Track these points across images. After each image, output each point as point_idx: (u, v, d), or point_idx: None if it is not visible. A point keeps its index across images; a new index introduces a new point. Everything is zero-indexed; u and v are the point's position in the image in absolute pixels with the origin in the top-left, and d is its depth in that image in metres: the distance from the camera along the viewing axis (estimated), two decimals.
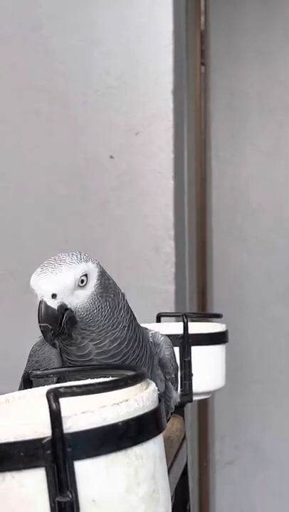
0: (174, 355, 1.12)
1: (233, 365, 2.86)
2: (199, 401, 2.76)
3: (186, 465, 1.42)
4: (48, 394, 0.66)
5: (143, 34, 2.22)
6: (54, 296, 0.94)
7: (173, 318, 1.75)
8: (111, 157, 2.24)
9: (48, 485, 0.66)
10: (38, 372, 0.84)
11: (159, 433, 0.74)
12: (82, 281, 0.96)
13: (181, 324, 1.43)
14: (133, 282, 2.20)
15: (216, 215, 3.15)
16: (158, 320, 1.62)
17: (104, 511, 0.68)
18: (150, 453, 0.72)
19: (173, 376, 1.09)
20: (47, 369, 0.86)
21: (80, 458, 0.67)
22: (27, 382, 0.85)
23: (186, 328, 1.41)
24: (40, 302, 0.94)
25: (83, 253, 0.99)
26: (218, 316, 1.64)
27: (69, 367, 0.93)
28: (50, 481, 0.66)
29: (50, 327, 0.94)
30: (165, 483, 0.75)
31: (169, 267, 2.20)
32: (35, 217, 2.28)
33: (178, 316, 1.51)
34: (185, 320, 1.41)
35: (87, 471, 0.68)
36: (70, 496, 0.66)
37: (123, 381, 0.72)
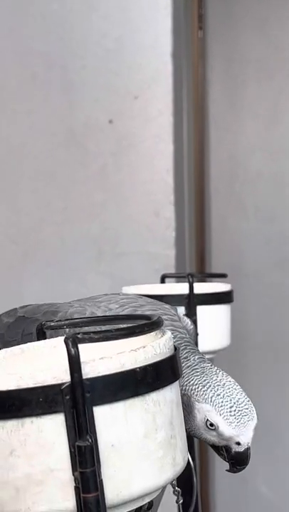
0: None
1: (232, 331, 2.87)
2: None
3: None
4: (66, 340, 0.66)
5: None
6: None
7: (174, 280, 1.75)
8: (110, 121, 2.22)
9: (67, 430, 0.66)
10: (52, 323, 0.83)
11: (175, 380, 0.74)
12: None
13: (184, 285, 1.43)
14: (134, 247, 2.19)
15: (214, 182, 3.13)
16: (162, 281, 1.62)
17: (123, 456, 0.68)
18: (167, 399, 0.72)
19: None
20: (60, 320, 0.85)
21: (98, 403, 0.67)
22: (40, 334, 0.84)
23: (191, 287, 1.40)
24: (248, 449, 0.94)
25: None
26: (223, 275, 1.63)
27: (83, 318, 0.93)
28: (69, 426, 0.66)
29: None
30: (182, 430, 0.76)
31: (170, 232, 2.20)
32: (34, 183, 2.26)
33: (183, 277, 1.50)
34: (190, 280, 1.40)
35: (105, 416, 0.68)
36: (90, 441, 0.66)
37: (140, 328, 0.71)
